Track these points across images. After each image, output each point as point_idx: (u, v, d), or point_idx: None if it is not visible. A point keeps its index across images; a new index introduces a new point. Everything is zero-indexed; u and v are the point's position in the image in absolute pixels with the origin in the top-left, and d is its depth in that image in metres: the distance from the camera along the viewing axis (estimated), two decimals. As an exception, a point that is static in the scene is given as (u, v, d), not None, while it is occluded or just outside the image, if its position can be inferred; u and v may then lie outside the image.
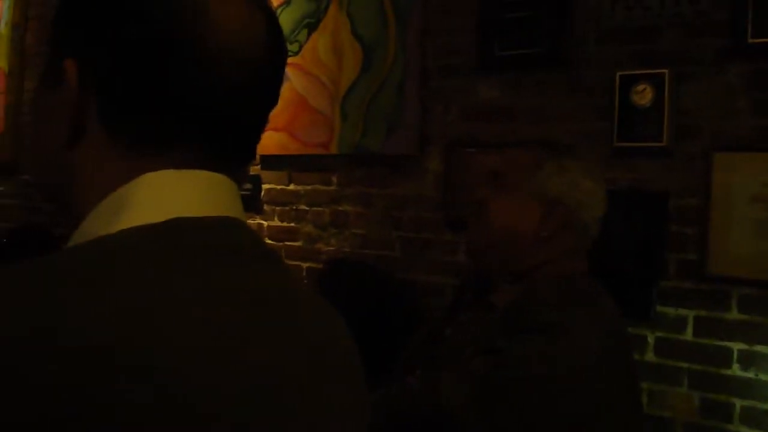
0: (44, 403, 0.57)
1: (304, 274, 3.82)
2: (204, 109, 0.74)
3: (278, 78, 0.81)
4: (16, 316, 0.60)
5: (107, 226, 0.71)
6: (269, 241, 3.86)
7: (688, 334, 2.80)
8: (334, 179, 3.79)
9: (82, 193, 0.77)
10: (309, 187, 3.88)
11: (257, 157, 3.29)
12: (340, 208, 3.75)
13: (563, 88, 3.09)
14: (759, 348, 2.68)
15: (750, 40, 2.69)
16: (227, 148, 0.78)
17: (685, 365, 2.80)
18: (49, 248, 3.15)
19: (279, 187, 3.97)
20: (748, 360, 2.69)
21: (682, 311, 2.81)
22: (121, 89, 0.74)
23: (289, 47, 3.74)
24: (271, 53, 0.79)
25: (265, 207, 4.01)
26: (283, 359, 0.73)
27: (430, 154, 3.46)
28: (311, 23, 3.83)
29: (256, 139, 0.81)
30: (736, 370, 2.71)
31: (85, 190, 0.76)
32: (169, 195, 0.73)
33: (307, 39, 3.82)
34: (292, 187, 3.94)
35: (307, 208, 3.89)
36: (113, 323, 0.61)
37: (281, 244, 3.91)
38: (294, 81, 3.80)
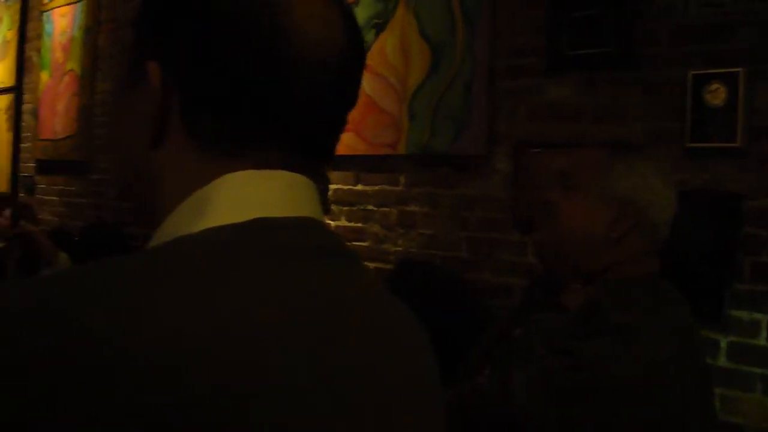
0: (132, 398, 0.58)
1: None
2: (284, 110, 0.75)
3: (357, 78, 0.81)
4: (102, 315, 0.61)
5: (189, 226, 0.72)
6: (336, 241, 3.87)
7: (762, 339, 2.74)
8: (402, 179, 3.79)
9: (163, 194, 0.77)
10: (376, 188, 3.89)
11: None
12: (408, 209, 3.75)
13: (634, 88, 3.05)
14: (836, 353, 2.62)
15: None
16: (306, 148, 0.78)
17: (758, 371, 2.74)
18: (119, 246, 3.22)
19: (346, 187, 3.99)
20: (824, 365, 2.64)
21: (756, 315, 2.75)
22: (203, 90, 0.75)
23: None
24: (350, 53, 0.79)
25: (333, 207, 4.02)
26: (362, 361, 0.73)
27: (498, 154, 3.44)
28: (379, 24, 3.83)
29: (335, 139, 0.82)
30: (812, 375, 2.66)
31: (166, 190, 0.77)
32: (250, 195, 0.74)
33: (375, 39, 3.83)
34: (359, 187, 3.95)
35: (374, 209, 3.90)
36: (198, 322, 0.62)
37: (348, 244, 3.91)
38: (362, 81, 3.81)
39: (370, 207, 3.91)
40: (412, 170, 3.75)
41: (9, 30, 7.48)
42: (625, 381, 1.58)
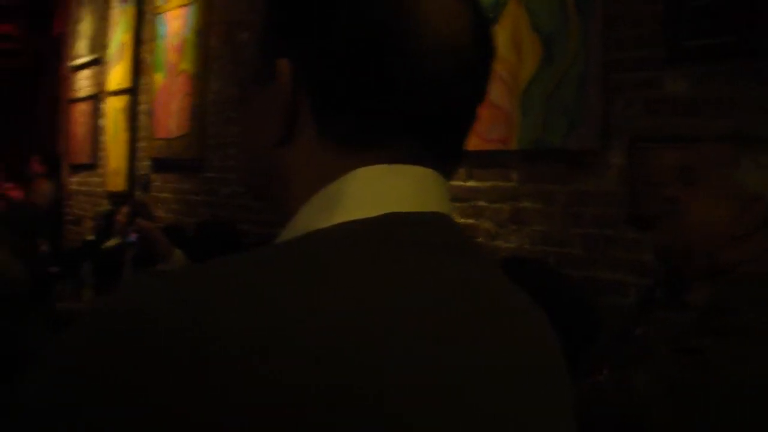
0: (272, 398, 0.59)
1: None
2: (415, 104, 0.74)
3: (486, 72, 0.80)
4: (237, 312, 0.61)
5: (320, 221, 0.72)
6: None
7: None
8: (514, 175, 3.75)
9: (293, 190, 0.78)
10: (488, 184, 3.86)
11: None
12: (520, 205, 3.71)
13: (756, 79, 2.94)
14: None
15: None
16: (437, 143, 0.77)
17: None
18: (233, 243, 3.28)
19: (457, 183, 3.96)
20: None
21: None
22: (333, 86, 0.75)
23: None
24: (479, 46, 0.79)
25: (444, 203, 4.00)
26: (493, 357, 0.72)
27: (613, 148, 3.36)
28: (490, 18, 3.80)
29: (465, 133, 0.81)
30: None
31: (295, 186, 0.77)
32: (381, 190, 0.74)
33: (486, 34, 3.80)
34: (470, 183, 3.93)
35: (486, 205, 3.86)
36: (332, 318, 0.63)
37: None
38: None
39: (482, 203, 3.88)
40: (525, 166, 3.70)
41: (125, 33, 7.70)
42: (754, 383, 1.54)
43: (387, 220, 0.72)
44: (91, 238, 6.91)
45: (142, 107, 7.31)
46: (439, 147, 0.78)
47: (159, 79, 6.82)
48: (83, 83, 9.09)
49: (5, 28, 10.56)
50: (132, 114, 7.47)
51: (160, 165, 6.84)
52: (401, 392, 0.63)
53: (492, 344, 0.72)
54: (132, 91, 7.49)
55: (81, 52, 9.08)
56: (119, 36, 7.87)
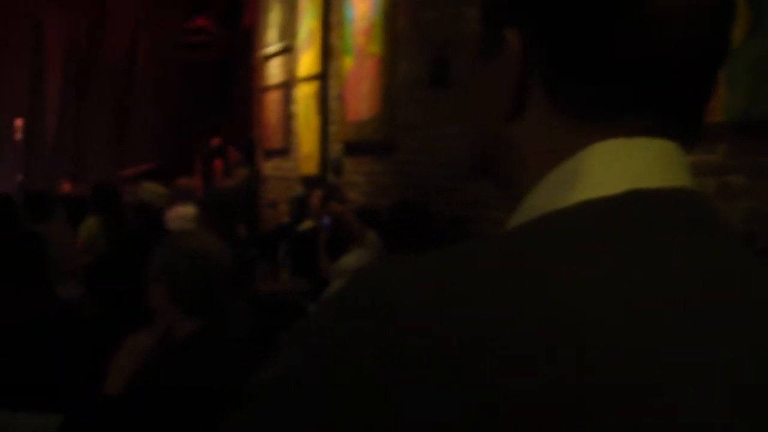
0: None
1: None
2: (652, 73, 0.69)
3: (727, 29, 0.73)
4: (487, 298, 0.59)
5: (558, 201, 0.68)
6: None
7: None
8: (720, 148, 3.58)
9: (523, 167, 0.74)
10: (692, 157, 3.69)
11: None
12: (728, 179, 3.54)
13: None
14: None
15: None
16: (676, 113, 0.71)
17: None
18: (426, 225, 3.25)
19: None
20: None
21: None
22: (567, 57, 0.70)
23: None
24: (718, 3, 0.71)
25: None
26: (753, 353, 0.65)
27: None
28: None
29: (705, 101, 0.74)
30: None
31: (525, 164, 0.74)
32: (623, 165, 0.69)
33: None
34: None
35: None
36: (591, 304, 0.59)
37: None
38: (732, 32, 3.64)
39: (687, 177, 3.72)
40: (732, 138, 3.52)
41: (313, 20, 7.86)
42: None
43: (633, 196, 0.67)
44: (286, 221, 7.10)
45: (332, 92, 7.44)
46: (678, 117, 0.72)
47: (348, 63, 6.92)
48: (274, 71, 9.35)
49: (199, 22, 10.98)
50: (322, 99, 7.62)
51: (352, 148, 6.95)
52: (677, 386, 0.59)
53: (749, 337, 0.65)
54: (322, 77, 7.64)
55: (271, 41, 9.34)
56: (308, 23, 8.03)
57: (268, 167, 9.52)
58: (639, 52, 0.68)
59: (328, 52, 7.59)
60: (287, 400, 0.61)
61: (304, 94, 8.10)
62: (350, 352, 0.59)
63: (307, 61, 8.02)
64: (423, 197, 5.39)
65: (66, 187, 10.03)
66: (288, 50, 8.77)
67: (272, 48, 9.28)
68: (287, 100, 8.74)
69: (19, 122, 10.74)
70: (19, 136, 10.71)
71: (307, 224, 6.49)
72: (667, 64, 0.69)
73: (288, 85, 8.76)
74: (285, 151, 8.80)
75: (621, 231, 0.65)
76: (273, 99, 9.27)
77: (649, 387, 0.58)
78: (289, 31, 8.69)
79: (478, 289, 0.60)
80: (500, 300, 0.59)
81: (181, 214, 6.30)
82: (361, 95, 6.61)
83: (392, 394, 0.57)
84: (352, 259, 4.88)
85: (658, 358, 0.59)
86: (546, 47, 0.71)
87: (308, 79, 7.97)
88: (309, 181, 7.82)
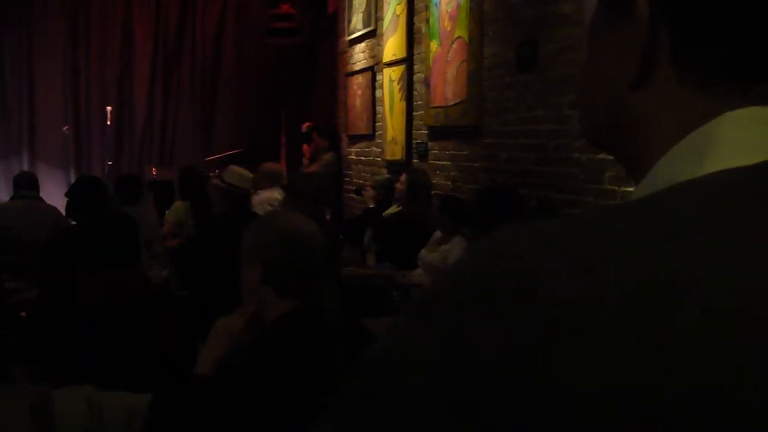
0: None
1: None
2: None
3: None
4: (617, 269, 0.54)
5: (687, 172, 0.63)
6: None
7: None
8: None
9: (647, 138, 0.70)
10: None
11: None
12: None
13: None
14: None
15: None
16: None
17: None
18: (515, 208, 3.19)
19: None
20: None
21: None
22: (698, 20, 0.66)
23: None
24: None
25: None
26: None
27: None
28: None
29: None
30: None
31: (650, 134, 0.69)
32: (757, 135, 0.64)
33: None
34: None
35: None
36: (734, 277, 0.53)
37: None
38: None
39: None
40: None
41: (398, 4, 7.82)
42: None
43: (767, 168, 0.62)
44: (371, 206, 7.10)
45: (418, 76, 7.40)
46: None
47: (434, 47, 6.87)
48: (359, 56, 9.35)
49: (284, 8, 11.03)
50: (408, 83, 7.59)
51: (437, 133, 6.90)
52: None
53: None
54: (407, 61, 7.61)
55: (356, 26, 9.34)
56: (393, 7, 8.00)
57: (353, 152, 9.54)
58: None
59: (413, 37, 7.56)
60: (412, 374, 0.56)
61: (390, 78, 8.07)
62: (492, 324, 0.54)
63: (393, 46, 7.99)
64: (510, 181, 5.33)
65: (153, 172, 10.23)
66: (373, 35, 8.76)
67: (357, 33, 9.28)
68: (372, 85, 8.73)
69: (109, 109, 10.98)
70: (109, 123, 10.94)
71: (393, 209, 6.48)
72: None
73: (373, 69, 8.75)
74: (370, 135, 8.80)
75: (760, 202, 0.59)
76: (358, 84, 9.27)
77: None
78: (374, 15, 8.67)
79: (626, 249, 0.55)
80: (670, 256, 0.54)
81: (267, 198, 6.34)
82: (447, 79, 6.56)
83: (556, 373, 0.51)
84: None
85: None
86: (676, 9, 0.67)
87: (393, 63, 7.95)
88: (394, 166, 7.81)
